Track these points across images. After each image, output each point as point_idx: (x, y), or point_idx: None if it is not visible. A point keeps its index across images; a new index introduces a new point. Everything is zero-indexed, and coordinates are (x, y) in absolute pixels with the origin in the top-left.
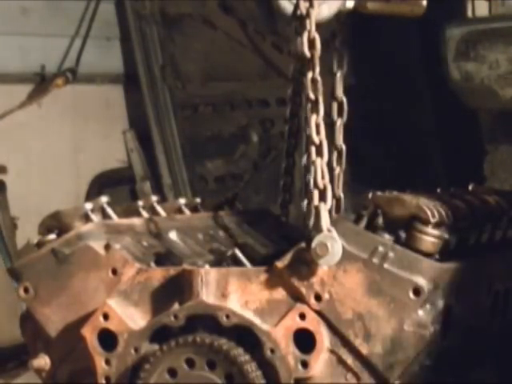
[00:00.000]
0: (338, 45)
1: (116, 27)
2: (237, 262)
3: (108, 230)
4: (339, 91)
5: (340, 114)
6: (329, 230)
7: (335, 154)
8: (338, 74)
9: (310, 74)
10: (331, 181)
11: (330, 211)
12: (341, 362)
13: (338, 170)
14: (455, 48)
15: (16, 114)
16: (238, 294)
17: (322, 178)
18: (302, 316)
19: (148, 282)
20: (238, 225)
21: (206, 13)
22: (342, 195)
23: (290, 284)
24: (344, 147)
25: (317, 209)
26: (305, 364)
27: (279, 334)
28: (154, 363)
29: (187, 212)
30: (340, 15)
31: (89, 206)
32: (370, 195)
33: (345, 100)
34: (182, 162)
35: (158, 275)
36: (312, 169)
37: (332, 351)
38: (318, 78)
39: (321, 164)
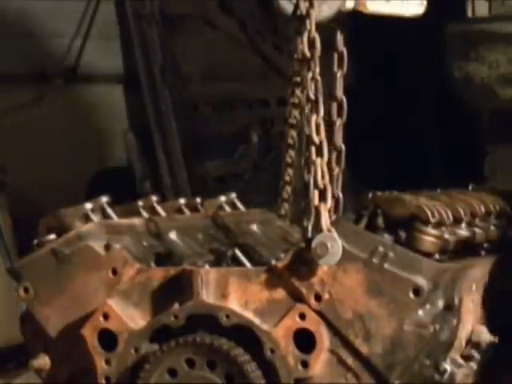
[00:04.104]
0: (338, 45)
1: (116, 27)
2: (237, 262)
3: (108, 230)
4: (339, 91)
5: (340, 114)
6: (329, 230)
7: (334, 154)
8: (338, 74)
9: (309, 74)
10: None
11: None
12: (341, 361)
13: (337, 170)
14: (455, 48)
15: (16, 114)
16: (237, 294)
17: (322, 177)
18: (302, 316)
19: (148, 282)
20: (237, 225)
21: (206, 13)
22: (340, 195)
23: (290, 284)
24: (343, 147)
25: (317, 209)
26: (305, 364)
27: (279, 333)
28: (153, 363)
29: (187, 212)
30: (340, 15)
31: (89, 206)
32: (370, 195)
33: (344, 100)
34: (181, 162)
35: (158, 275)
36: (312, 169)
37: (332, 351)
38: (318, 78)
39: (321, 164)
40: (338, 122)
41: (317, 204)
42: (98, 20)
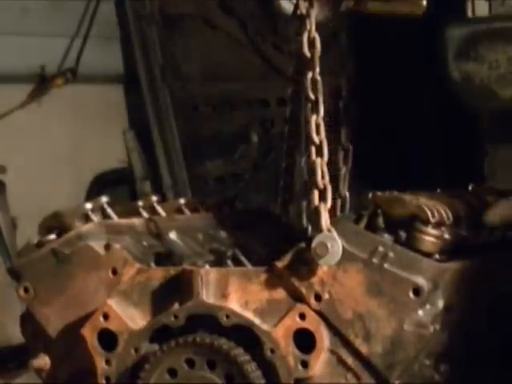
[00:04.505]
0: (341, 44)
1: (116, 27)
2: (237, 262)
3: (108, 230)
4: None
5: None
6: (329, 230)
7: (342, 154)
8: (343, 75)
9: (309, 74)
10: (337, 180)
11: (334, 210)
12: (341, 361)
13: (344, 169)
14: (455, 48)
15: (16, 114)
16: (238, 293)
17: (322, 177)
18: (302, 316)
19: (148, 282)
20: (238, 225)
21: (206, 13)
22: (347, 194)
23: (290, 284)
24: (351, 147)
25: (317, 209)
26: (305, 364)
27: (279, 333)
28: (153, 363)
29: (187, 212)
30: (340, 15)
31: (89, 205)
32: (370, 195)
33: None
34: (181, 162)
35: (158, 275)
36: (312, 169)
37: (332, 351)
38: (318, 78)
39: (321, 164)
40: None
41: (317, 204)
42: (97, 20)
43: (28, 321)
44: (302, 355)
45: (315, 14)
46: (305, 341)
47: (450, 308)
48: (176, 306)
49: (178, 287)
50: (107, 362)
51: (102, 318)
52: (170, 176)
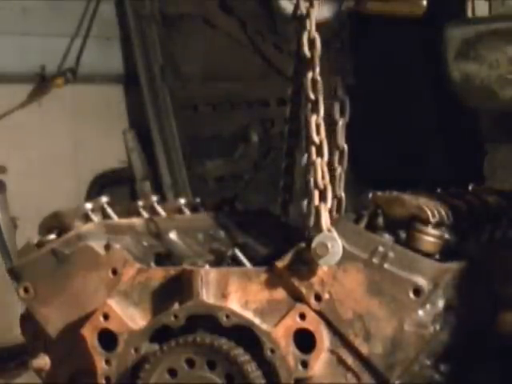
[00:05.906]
0: (338, 45)
1: (116, 27)
2: (237, 262)
3: (108, 230)
4: (340, 91)
5: (342, 113)
6: (329, 230)
7: (337, 154)
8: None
9: (310, 74)
10: (333, 181)
11: (330, 211)
12: (341, 361)
13: (339, 169)
14: (455, 48)
15: (16, 114)
16: (238, 293)
17: (322, 178)
18: (302, 316)
19: (148, 282)
20: (238, 225)
21: (206, 13)
22: (343, 195)
23: (290, 284)
24: (346, 147)
25: (317, 209)
26: (305, 364)
27: (279, 333)
28: (153, 363)
29: (187, 212)
30: (340, 15)
31: (89, 205)
32: (370, 195)
33: (347, 100)
34: (181, 162)
35: (158, 275)
36: (312, 169)
37: (332, 351)
38: (318, 78)
39: (321, 164)
40: (341, 122)
41: (317, 204)
42: (97, 20)
43: (28, 321)
44: (302, 355)
45: (315, 13)
46: (305, 341)
47: (450, 308)
48: (176, 306)
49: (178, 287)
50: (107, 361)
51: (102, 318)
52: (170, 176)
